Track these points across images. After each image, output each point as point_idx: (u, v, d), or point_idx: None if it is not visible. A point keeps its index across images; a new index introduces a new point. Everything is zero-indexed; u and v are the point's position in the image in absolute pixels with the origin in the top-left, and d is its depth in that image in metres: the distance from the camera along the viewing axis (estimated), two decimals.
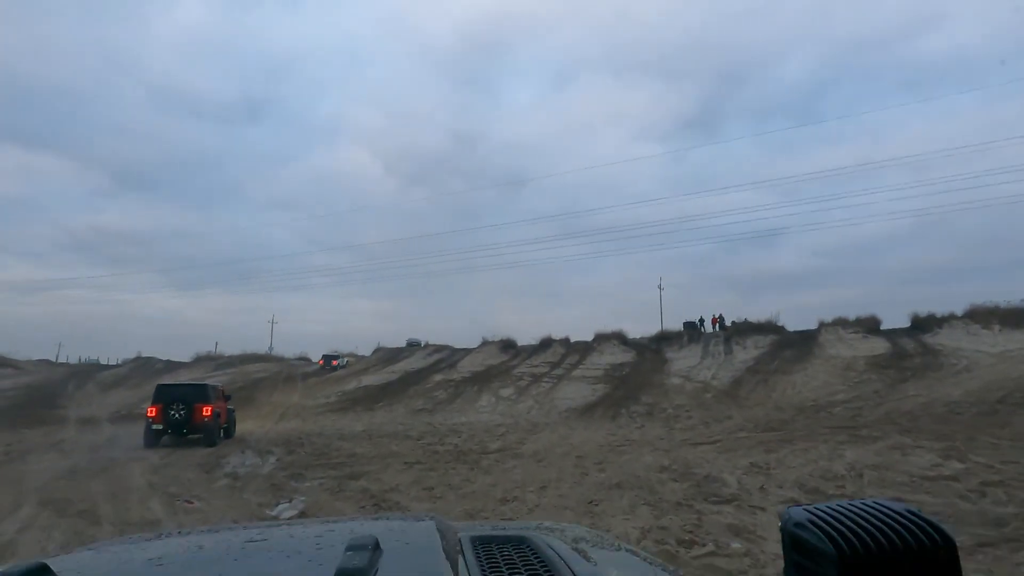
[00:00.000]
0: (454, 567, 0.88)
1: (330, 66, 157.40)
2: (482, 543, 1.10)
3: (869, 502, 0.63)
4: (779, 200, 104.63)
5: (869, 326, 31.63)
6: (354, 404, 28.67)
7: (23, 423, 23.45)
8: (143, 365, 52.40)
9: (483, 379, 31.77)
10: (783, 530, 0.64)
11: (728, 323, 38.98)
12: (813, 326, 33.57)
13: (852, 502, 0.64)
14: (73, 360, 65.69)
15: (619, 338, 39.22)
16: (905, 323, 31.41)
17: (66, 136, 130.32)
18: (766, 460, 10.48)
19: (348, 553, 0.81)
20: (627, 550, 1.23)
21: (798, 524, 0.61)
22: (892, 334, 29.66)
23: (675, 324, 42.13)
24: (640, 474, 9.86)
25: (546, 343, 40.45)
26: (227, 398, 18.45)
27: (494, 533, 1.21)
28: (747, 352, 31.14)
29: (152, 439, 15.87)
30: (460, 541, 1.10)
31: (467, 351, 42.86)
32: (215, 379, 38.12)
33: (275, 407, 30.41)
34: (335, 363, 43.78)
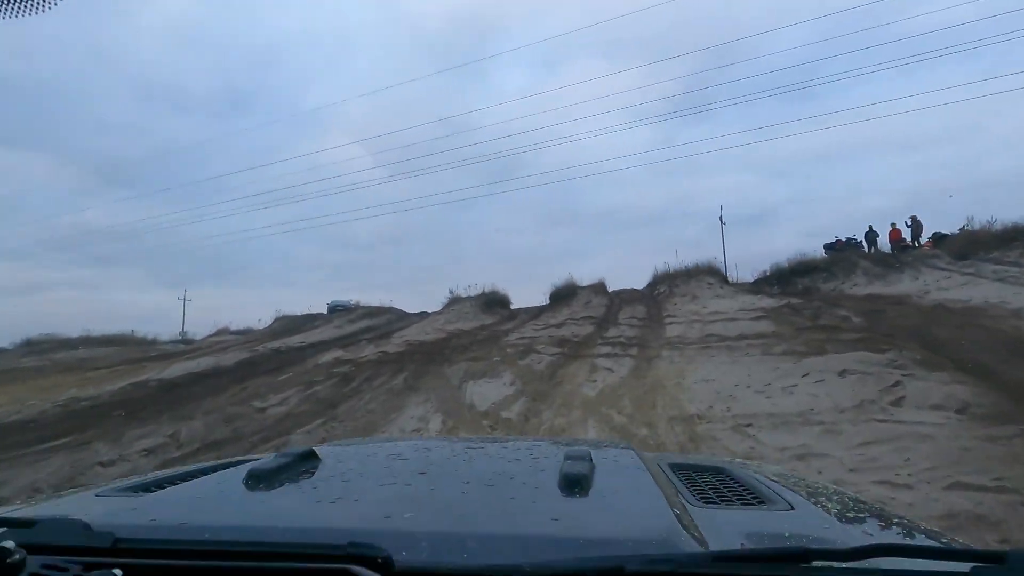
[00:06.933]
0: (663, 484, 0.87)
1: (317, 54, 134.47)
2: (680, 469, 1.09)
3: None
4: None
5: None
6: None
7: None
8: None
9: (436, 357, 11.47)
10: None
11: (920, 238, 18.88)
12: None
13: None
14: None
15: (713, 274, 19.15)
16: None
17: (46, 133, 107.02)
18: None
19: (568, 461, 0.86)
20: (836, 489, 1.09)
21: None
22: None
23: None
24: None
25: (565, 293, 20.33)
26: None
27: (692, 462, 1.21)
28: None
29: None
30: (659, 465, 1.08)
31: (425, 315, 22.65)
32: None
33: None
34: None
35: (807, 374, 6.37)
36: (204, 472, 1.02)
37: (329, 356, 13.69)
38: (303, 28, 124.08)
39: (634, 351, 9.94)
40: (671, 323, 12.40)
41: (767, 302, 13.57)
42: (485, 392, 7.98)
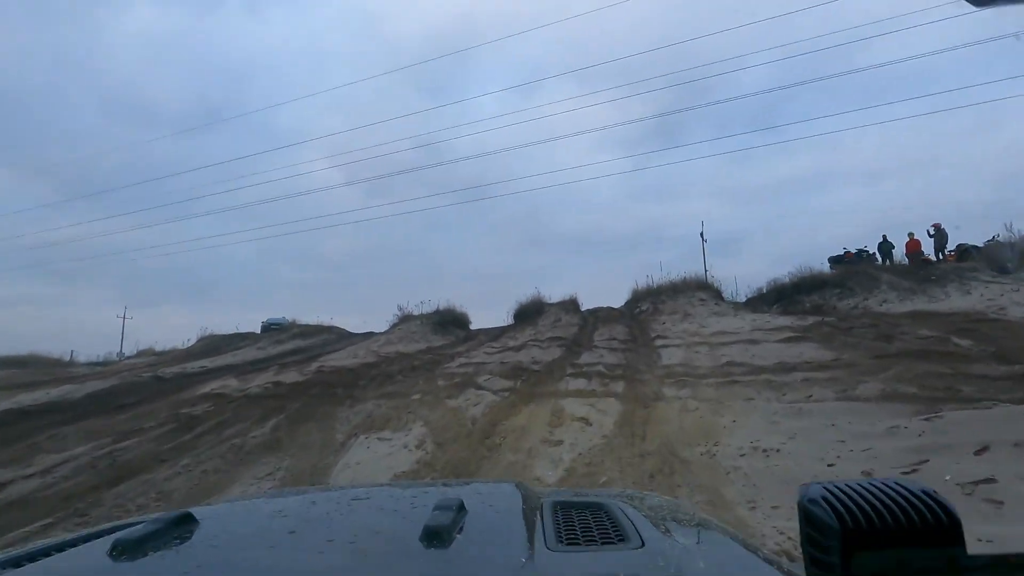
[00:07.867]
0: (530, 528, 0.86)
1: (293, 72, 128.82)
2: (562, 508, 1.03)
3: (890, 481, 0.60)
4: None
5: None
6: None
7: None
8: None
9: (339, 391, 8.02)
10: (799, 505, 0.62)
11: (944, 249, 16.23)
12: None
13: (871, 480, 0.61)
14: None
15: (705, 289, 16.05)
16: None
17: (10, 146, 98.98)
18: None
19: (435, 512, 0.84)
20: (701, 520, 1.07)
21: (811, 500, 0.60)
22: None
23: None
24: None
25: (531, 311, 17.11)
26: None
27: (575, 499, 1.13)
28: None
29: None
30: (541, 505, 1.03)
31: (370, 335, 19.18)
32: None
33: None
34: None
35: (986, 448, 3.16)
36: (87, 540, 0.89)
37: (207, 387, 10.12)
38: (276, 47, 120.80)
39: (620, 386, 6.63)
40: (665, 346, 9.17)
41: (785, 320, 10.48)
42: (370, 461, 4.56)
